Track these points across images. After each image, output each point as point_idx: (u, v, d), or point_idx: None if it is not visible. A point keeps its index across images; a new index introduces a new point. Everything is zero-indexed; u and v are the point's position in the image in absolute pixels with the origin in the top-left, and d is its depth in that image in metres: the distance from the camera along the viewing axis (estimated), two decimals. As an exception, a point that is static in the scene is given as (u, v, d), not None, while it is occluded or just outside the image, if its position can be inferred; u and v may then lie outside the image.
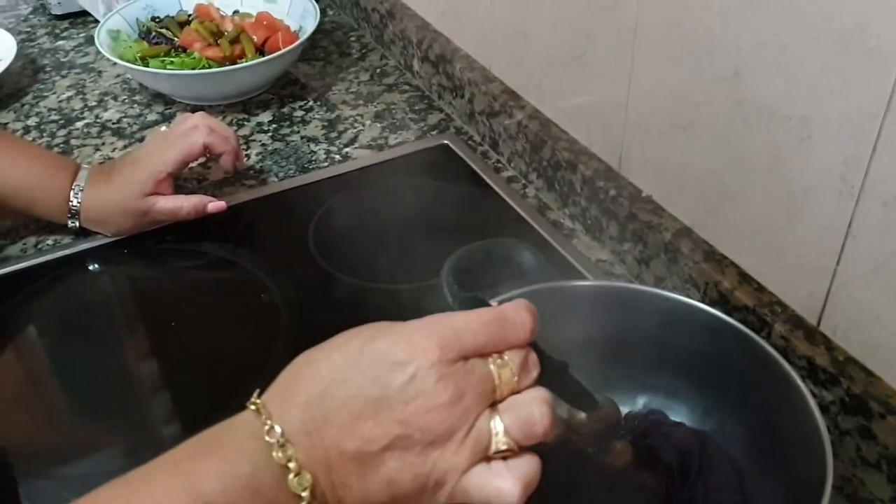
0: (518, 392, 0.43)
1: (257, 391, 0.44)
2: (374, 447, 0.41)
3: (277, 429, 0.41)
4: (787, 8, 0.58)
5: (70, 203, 0.83)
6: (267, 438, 0.41)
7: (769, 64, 0.60)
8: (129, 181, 0.83)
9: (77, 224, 0.84)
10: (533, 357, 0.44)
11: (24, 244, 0.87)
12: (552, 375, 0.47)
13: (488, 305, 0.45)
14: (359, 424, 0.41)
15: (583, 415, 0.57)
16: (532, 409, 0.43)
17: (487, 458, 0.42)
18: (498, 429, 0.42)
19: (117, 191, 0.83)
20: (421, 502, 0.42)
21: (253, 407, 0.42)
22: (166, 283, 0.85)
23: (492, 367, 0.43)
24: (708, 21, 0.64)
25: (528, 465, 0.43)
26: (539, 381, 0.45)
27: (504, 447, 0.42)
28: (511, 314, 0.44)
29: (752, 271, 0.68)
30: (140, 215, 0.84)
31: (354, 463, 0.41)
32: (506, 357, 0.43)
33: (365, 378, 0.41)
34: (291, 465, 0.41)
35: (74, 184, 0.83)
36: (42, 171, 0.83)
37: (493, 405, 0.43)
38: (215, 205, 0.86)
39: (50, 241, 0.87)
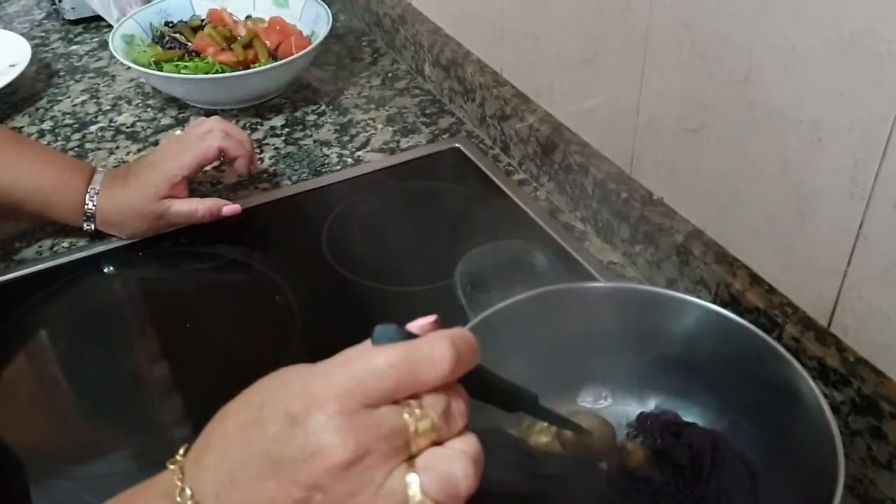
0: (441, 443, 0.39)
1: (185, 446, 0.42)
2: None
3: (188, 490, 0.39)
4: (798, 12, 0.58)
5: (85, 206, 0.84)
6: (178, 500, 0.39)
7: (780, 67, 0.61)
8: (144, 184, 0.84)
9: (93, 227, 0.85)
10: (459, 402, 0.39)
11: (40, 246, 0.88)
12: (528, 408, 0.45)
13: (410, 337, 0.39)
14: (262, 486, 0.38)
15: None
16: (454, 467, 0.38)
17: None
18: (414, 488, 0.37)
19: (133, 194, 0.84)
20: None
21: (171, 466, 0.41)
22: (181, 285, 0.86)
23: (406, 416, 0.38)
24: (719, 25, 0.65)
25: None
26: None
27: None
28: (426, 349, 0.38)
29: (763, 273, 0.69)
30: (155, 218, 0.85)
31: None
32: (425, 404, 0.38)
33: (265, 435, 0.38)
34: None
35: (90, 187, 0.84)
36: (58, 174, 0.84)
37: (411, 459, 0.38)
38: (230, 208, 0.87)
39: (65, 244, 0.88)
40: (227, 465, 0.39)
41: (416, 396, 0.38)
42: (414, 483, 0.37)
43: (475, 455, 0.38)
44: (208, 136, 0.86)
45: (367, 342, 0.40)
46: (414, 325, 0.41)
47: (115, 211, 0.84)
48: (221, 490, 0.39)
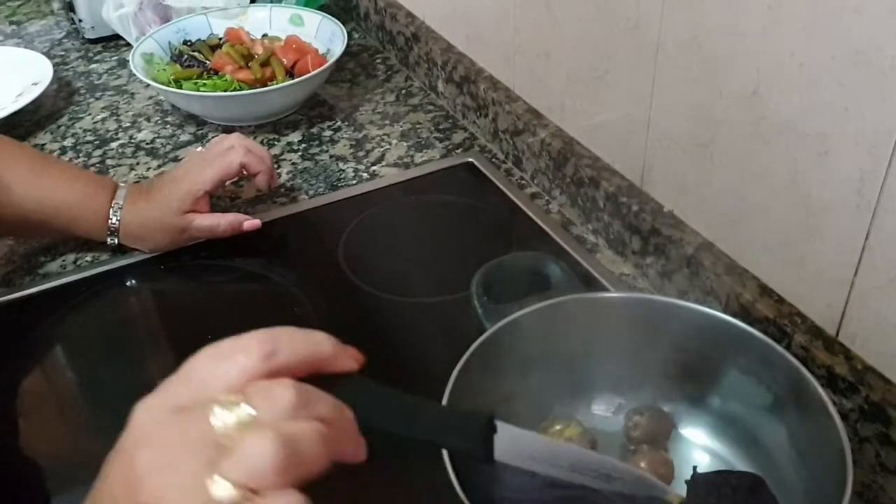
0: None
1: None
2: None
3: None
4: (805, 29, 0.60)
5: (109, 221, 0.86)
6: None
7: (787, 83, 0.63)
8: (167, 199, 0.86)
9: (116, 241, 0.87)
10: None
11: (64, 261, 0.90)
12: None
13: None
14: None
15: None
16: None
17: None
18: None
19: (156, 208, 0.86)
20: None
21: None
22: (201, 297, 0.87)
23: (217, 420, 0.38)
24: (727, 42, 0.67)
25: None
26: None
27: None
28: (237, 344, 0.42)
29: (772, 284, 0.70)
30: (178, 232, 0.87)
31: None
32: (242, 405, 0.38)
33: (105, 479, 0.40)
34: None
35: (113, 202, 0.86)
36: (82, 190, 0.86)
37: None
38: (251, 223, 0.89)
39: (88, 258, 0.90)
40: None
41: None
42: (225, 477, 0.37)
43: None
44: (230, 153, 0.88)
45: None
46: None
47: (139, 225, 0.86)
48: None
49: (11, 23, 1.41)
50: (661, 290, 0.80)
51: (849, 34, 0.57)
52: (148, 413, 0.40)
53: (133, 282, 0.88)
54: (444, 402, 0.57)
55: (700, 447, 0.65)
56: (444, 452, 0.51)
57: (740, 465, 0.63)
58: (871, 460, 0.62)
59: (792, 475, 0.60)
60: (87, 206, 0.86)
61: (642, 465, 0.60)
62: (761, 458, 0.62)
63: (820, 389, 0.56)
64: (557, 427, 0.63)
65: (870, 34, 0.56)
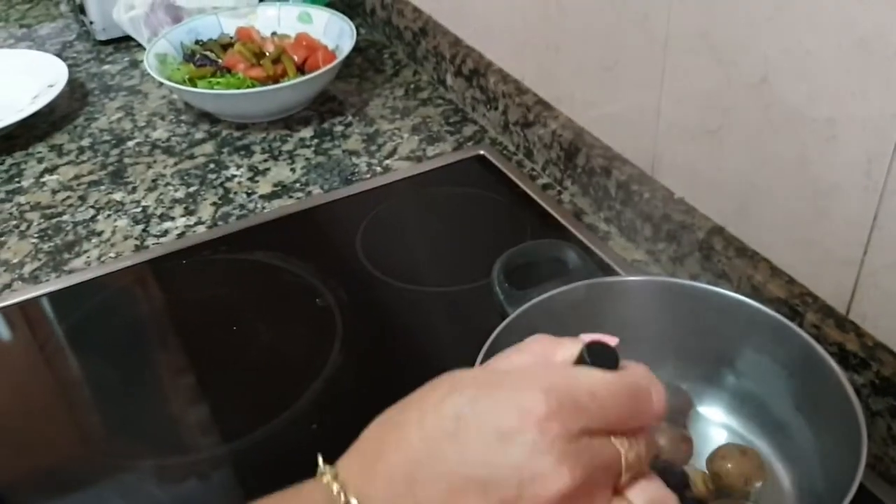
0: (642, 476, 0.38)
1: (320, 457, 0.39)
2: None
3: (353, 501, 0.36)
4: (811, 18, 0.62)
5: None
6: None
7: (795, 70, 0.65)
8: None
9: None
10: (652, 437, 0.39)
11: (88, 257, 0.92)
12: None
13: (616, 361, 0.38)
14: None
15: None
16: (664, 494, 0.38)
17: None
18: None
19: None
20: None
21: (326, 476, 0.38)
22: (224, 290, 0.89)
23: (618, 447, 0.36)
24: (736, 32, 0.69)
25: None
26: None
27: None
28: (644, 385, 0.38)
29: (783, 265, 0.72)
30: None
31: None
32: (635, 442, 0.37)
33: (466, 451, 0.35)
34: None
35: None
36: None
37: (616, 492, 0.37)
38: None
39: (112, 255, 0.92)
40: (407, 476, 0.36)
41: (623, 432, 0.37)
42: None
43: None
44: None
45: (558, 351, 0.39)
46: (590, 337, 0.40)
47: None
48: (399, 501, 0.36)
49: (22, 26, 1.43)
50: (674, 275, 0.82)
51: (854, 22, 0.59)
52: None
53: (156, 277, 0.90)
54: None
55: (717, 424, 0.67)
56: None
57: (756, 440, 0.65)
58: (883, 434, 0.64)
59: (807, 449, 0.62)
60: None
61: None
62: (777, 433, 0.64)
63: (834, 364, 0.58)
64: None
65: (875, 22, 0.58)
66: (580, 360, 0.39)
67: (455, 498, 0.35)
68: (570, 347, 0.40)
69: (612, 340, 0.41)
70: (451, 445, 0.35)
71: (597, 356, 0.38)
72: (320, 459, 0.39)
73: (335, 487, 0.37)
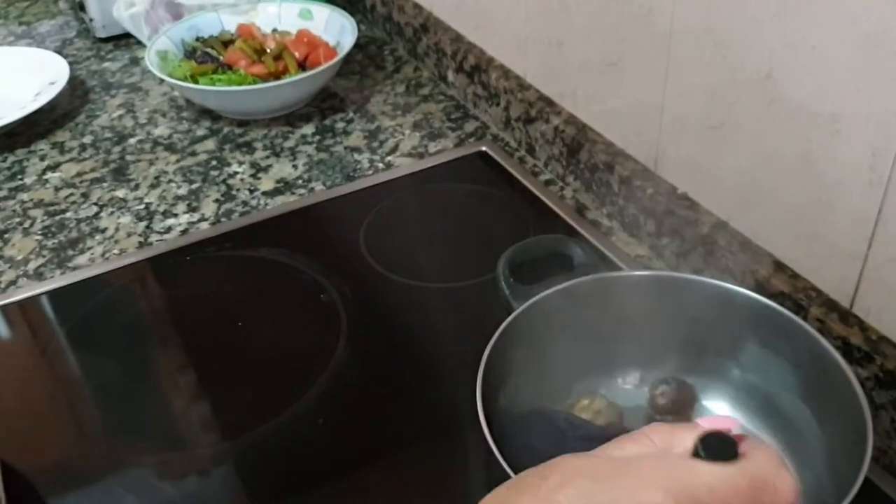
0: None
1: None
2: None
3: None
4: (816, 13, 0.62)
5: None
6: None
7: (800, 66, 0.65)
8: None
9: None
10: None
11: (92, 254, 0.92)
12: None
13: (735, 450, 0.37)
14: None
15: None
16: None
17: None
18: None
19: None
20: None
21: None
22: (229, 286, 0.89)
23: None
24: (740, 27, 0.69)
25: None
26: None
27: None
28: (771, 477, 0.36)
29: (786, 260, 0.73)
30: None
31: None
32: None
33: None
34: None
35: None
36: None
37: None
38: None
39: (116, 251, 0.92)
40: None
41: None
42: None
43: None
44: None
45: (676, 442, 0.37)
46: (708, 423, 0.39)
47: None
48: None
49: (21, 23, 1.43)
50: (677, 270, 0.83)
51: (859, 17, 0.59)
52: None
53: (161, 273, 0.90)
54: (478, 380, 0.59)
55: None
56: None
57: (761, 434, 0.66)
58: (887, 426, 0.65)
59: (812, 442, 0.62)
60: None
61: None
62: (782, 426, 0.64)
63: (839, 358, 0.59)
64: (585, 401, 0.66)
65: (879, 17, 0.58)
66: (696, 453, 0.38)
67: None
68: (689, 437, 0.38)
69: (732, 425, 0.39)
70: None
71: (712, 448, 0.37)
72: None
73: None
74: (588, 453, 0.37)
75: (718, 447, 0.37)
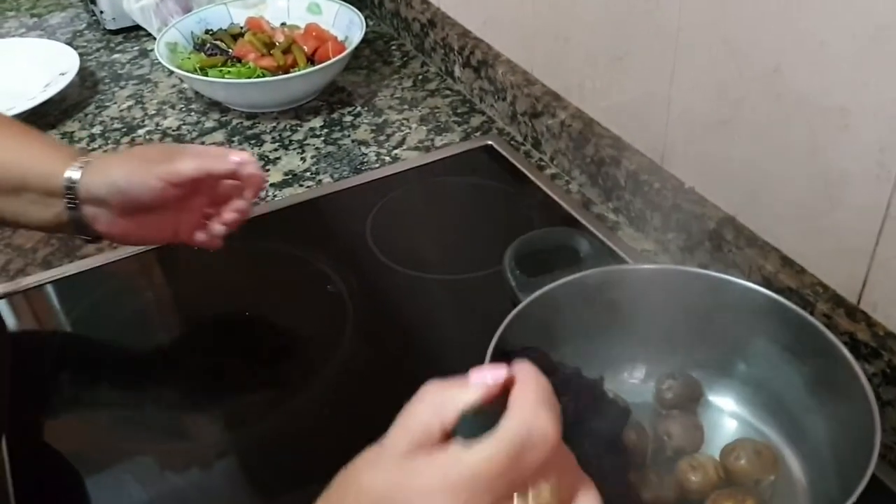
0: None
1: None
2: None
3: None
4: (825, 8, 0.62)
5: (66, 175, 0.70)
6: None
7: (808, 61, 0.65)
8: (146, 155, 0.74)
9: (75, 201, 0.71)
10: (568, 458, 0.40)
11: (101, 244, 0.92)
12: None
13: (492, 421, 0.38)
14: None
15: None
16: None
17: None
18: None
19: (128, 159, 0.73)
20: None
21: None
22: (235, 276, 0.89)
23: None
24: (748, 22, 0.69)
25: None
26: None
27: None
28: (524, 433, 0.38)
29: (793, 255, 0.72)
30: (154, 178, 0.70)
31: None
32: (541, 491, 0.38)
33: None
34: None
35: (78, 159, 0.72)
36: (39, 148, 0.74)
37: None
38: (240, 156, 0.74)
39: (123, 241, 0.92)
40: None
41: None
42: None
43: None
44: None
45: (449, 402, 0.39)
46: (479, 377, 0.41)
47: (104, 180, 0.70)
48: None
49: (32, 15, 1.43)
50: (683, 265, 0.82)
51: (869, 11, 0.59)
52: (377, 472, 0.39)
53: (168, 263, 0.91)
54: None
55: (728, 413, 0.67)
56: None
57: (767, 429, 0.66)
58: (894, 423, 0.65)
59: (818, 438, 0.62)
60: (42, 163, 0.71)
61: (675, 429, 0.63)
62: (788, 422, 0.65)
63: (847, 353, 0.59)
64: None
65: (889, 11, 0.58)
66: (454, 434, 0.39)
67: None
68: (462, 396, 0.40)
69: (498, 371, 0.40)
70: None
71: (468, 429, 0.39)
72: None
73: None
74: (371, 462, 0.40)
75: (475, 424, 0.38)
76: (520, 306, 0.64)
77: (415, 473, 0.38)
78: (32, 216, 0.73)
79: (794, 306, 0.63)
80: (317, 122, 1.11)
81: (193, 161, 0.71)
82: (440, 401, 0.40)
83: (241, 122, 1.11)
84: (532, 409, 0.38)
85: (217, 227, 0.77)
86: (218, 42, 1.17)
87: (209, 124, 1.12)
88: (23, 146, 0.73)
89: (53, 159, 0.72)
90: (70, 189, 0.70)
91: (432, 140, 1.07)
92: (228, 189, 0.76)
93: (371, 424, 0.73)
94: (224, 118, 1.13)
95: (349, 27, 1.19)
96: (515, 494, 0.38)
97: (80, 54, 1.26)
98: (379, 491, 0.39)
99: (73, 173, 0.70)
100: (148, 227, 0.74)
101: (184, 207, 0.75)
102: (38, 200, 0.72)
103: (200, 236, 0.78)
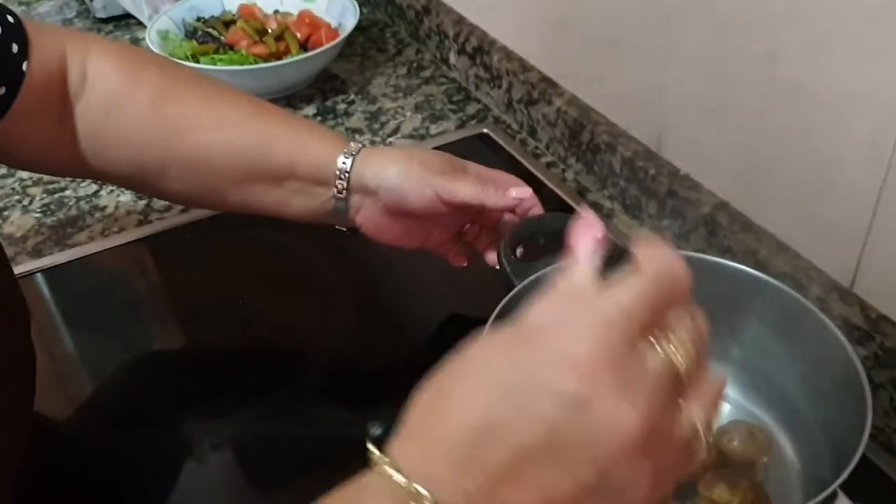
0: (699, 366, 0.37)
1: (370, 445, 0.37)
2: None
3: (424, 491, 0.34)
4: (820, -9, 0.62)
5: (339, 162, 0.69)
6: None
7: (803, 44, 0.65)
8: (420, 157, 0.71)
9: (345, 186, 0.69)
10: (694, 309, 0.38)
11: (91, 231, 0.92)
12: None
13: (622, 251, 0.37)
14: (533, 476, 0.34)
15: None
16: (717, 396, 0.38)
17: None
18: (698, 425, 0.37)
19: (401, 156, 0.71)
20: None
21: (383, 465, 0.36)
22: (228, 265, 0.89)
23: (671, 355, 0.36)
24: (743, 5, 0.69)
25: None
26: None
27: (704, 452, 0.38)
28: (665, 267, 0.37)
29: (788, 240, 0.72)
30: (426, 186, 0.68)
31: None
32: (677, 332, 0.37)
33: (527, 418, 0.35)
34: None
35: (344, 148, 0.70)
36: (309, 133, 0.72)
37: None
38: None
39: (115, 229, 0.92)
40: (474, 455, 0.35)
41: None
42: (697, 419, 0.37)
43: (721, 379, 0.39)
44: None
45: (576, 274, 0.38)
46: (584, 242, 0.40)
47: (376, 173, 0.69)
48: (473, 488, 0.35)
49: (21, 3, 1.42)
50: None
51: (864, -5, 0.59)
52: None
53: (160, 251, 0.90)
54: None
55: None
56: None
57: (760, 412, 0.66)
58: (885, 405, 0.65)
59: (811, 420, 0.62)
60: (314, 151, 0.69)
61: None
62: (781, 404, 0.65)
63: (841, 336, 0.58)
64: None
65: (884, -4, 0.58)
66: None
67: (529, 473, 0.34)
68: (586, 269, 0.39)
69: (596, 227, 0.40)
70: (509, 412, 0.35)
71: (609, 265, 0.37)
72: (372, 447, 0.37)
73: (400, 479, 0.35)
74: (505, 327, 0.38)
75: (612, 262, 0.38)
76: (513, 291, 0.64)
77: (565, 310, 0.37)
78: (293, 205, 0.71)
79: (787, 288, 0.63)
80: (310, 110, 1.11)
81: (474, 189, 0.69)
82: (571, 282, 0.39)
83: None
84: (664, 248, 0.38)
85: (468, 247, 0.77)
86: (210, 29, 1.16)
87: (202, 112, 1.11)
88: (293, 134, 0.71)
89: (323, 146, 0.70)
90: (342, 177, 0.69)
91: (427, 128, 1.06)
92: (496, 216, 0.74)
93: (364, 412, 0.73)
94: (217, 106, 1.12)
95: (343, 14, 1.18)
96: (654, 330, 0.36)
97: (72, 42, 1.25)
98: (513, 339, 0.37)
99: (346, 161, 0.69)
100: (403, 229, 0.73)
101: (443, 221, 0.73)
102: (302, 189, 0.70)
103: (449, 250, 0.77)
